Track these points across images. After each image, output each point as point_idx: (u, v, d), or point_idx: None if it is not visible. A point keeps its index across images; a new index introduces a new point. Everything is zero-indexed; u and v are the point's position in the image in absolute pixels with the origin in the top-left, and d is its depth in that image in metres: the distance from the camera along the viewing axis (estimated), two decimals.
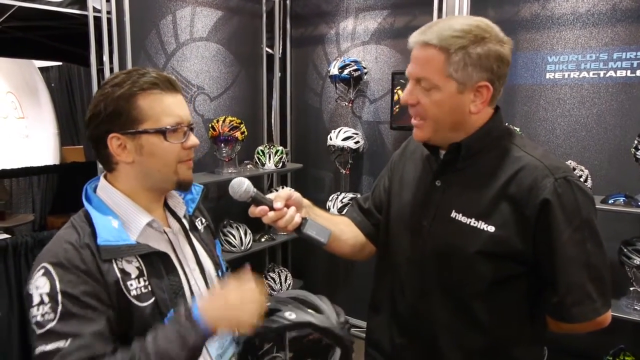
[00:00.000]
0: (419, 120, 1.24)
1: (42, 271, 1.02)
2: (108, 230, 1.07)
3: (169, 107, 1.10)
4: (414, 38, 1.20)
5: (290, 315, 1.12)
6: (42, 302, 0.99)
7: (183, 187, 1.19)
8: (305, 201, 1.32)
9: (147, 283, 1.09)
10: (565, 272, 1.16)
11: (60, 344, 0.96)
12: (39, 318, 0.98)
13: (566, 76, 2.83)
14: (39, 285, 1.01)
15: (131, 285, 1.07)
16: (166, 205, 1.25)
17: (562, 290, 1.17)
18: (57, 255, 1.04)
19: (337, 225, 1.41)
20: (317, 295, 1.22)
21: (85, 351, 0.97)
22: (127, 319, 1.05)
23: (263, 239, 3.68)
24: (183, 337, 0.98)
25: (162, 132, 1.09)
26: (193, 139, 1.15)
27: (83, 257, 1.04)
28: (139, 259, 1.10)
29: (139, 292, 1.07)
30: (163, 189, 1.19)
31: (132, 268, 1.08)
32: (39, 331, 0.98)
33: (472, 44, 1.14)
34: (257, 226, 3.59)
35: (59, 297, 0.99)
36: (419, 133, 1.26)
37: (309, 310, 1.14)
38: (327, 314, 1.15)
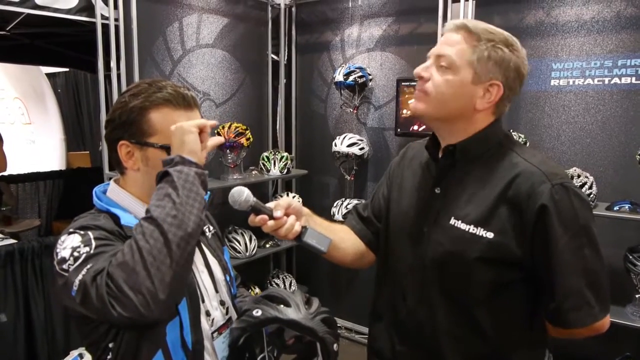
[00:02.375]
0: (423, 94, 1.24)
1: (65, 235, 1.04)
2: (127, 216, 1.12)
3: None
4: (451, 23, 1.24)
5: (257, 312, 1.13)
6: (74, 247, 1.00)
7: None
8: (305, 209, 1.32)
9: None
10: (562, 278, 1.16)
11: (100, 258, 0.97)
12: (78, 253, 0.99)
13: (571, 83, 2.84)
14: (67, 243, 1.02)
15: None
16: None
17: (559, 296, 1.17)
18: (81, 224, 1.06)
19: (336, 234, 1.41)
20: (292, 290, 1.22)
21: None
22: None
23: (268, 245, 3.69)
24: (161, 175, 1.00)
25: (167, 149, 1.10)
26: None
27: (109, 226, 1.07)
28: None
29: None
30: None
31: None
32: (77, 263, 0.98)
33: (501, 43, 1.19)
34: (262, 232, 3.58)
35: (92, 239, 1.01)
36: (418, 105, 1.26)
37: (277, 306, 1.15)
38: (294, 307, 1.15)
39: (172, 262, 0.91)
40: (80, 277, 0.95)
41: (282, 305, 1.15)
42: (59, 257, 1.01)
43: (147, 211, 0.95)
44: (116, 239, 1.06)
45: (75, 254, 0.99)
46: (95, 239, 1.02)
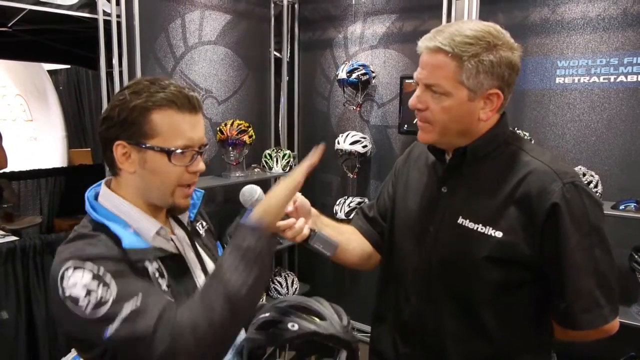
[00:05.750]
0: (426, 123, 1.23)
1: (70, 270, 0.97)
2: (128, 236, 1.05)
3: (180, 128, 1.07)
4: (424, 43, 1.18)
5: (293, 326, 1.11)
6: (90, 290, 0.94)
7: (176, 211, 1.18)
8: (313, 210, 1.30)
9: (167, 284, 1.09)
10: (573, 278, 1.14)
11: (134, 302, 0.95)
12: (97, 299, 0.94)
13: (576, 81, 2.81)
14: (76, 280, 0.95)
15: (160, 283, 1.08)
16: (169, 212, 1.22)
17: (569, 297, 1.15)
18: (81, 255, 0.99)
19: (343, 235, 1.39)
20: (315, 298, 1.19)
21: (160, 301, 0.98)
22: None
23: None
24: (236, 245, 1.02)
25: (168, 153, 1.06)
26: (199, 165, 1.12)
27: (113, 253, 1.02)
28: (159, 262, 1.09)
29: (165, 291, 1.08)
30: (158, 206, 1.15)
31: (153, 269, 1.07)
32: (103, 309, 0.93)
33: (485, 51, 1.12)
34: None
35: (106, 276, 0.96)
36: (424, 135, 1.25)
37: (312, 318, 1.13)
38: (329, 319, 1.13)
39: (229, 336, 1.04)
40: (122, 325, 0.94)
41: (317, 319, 1.13)
42: (67, 294, 0.95)
43: (224, 270, 1.00)
44: (125, 267, 1.00)
45: (96, 298, 0.94)
46: (111, 276, 0.96)
